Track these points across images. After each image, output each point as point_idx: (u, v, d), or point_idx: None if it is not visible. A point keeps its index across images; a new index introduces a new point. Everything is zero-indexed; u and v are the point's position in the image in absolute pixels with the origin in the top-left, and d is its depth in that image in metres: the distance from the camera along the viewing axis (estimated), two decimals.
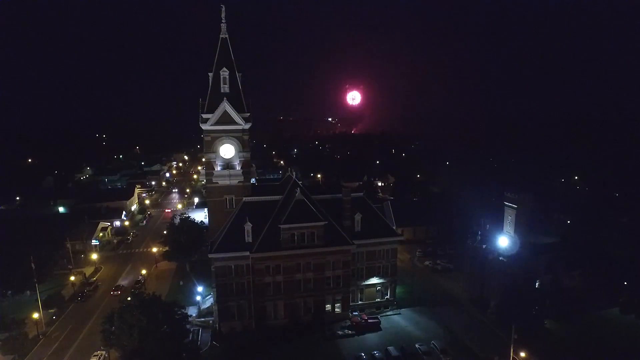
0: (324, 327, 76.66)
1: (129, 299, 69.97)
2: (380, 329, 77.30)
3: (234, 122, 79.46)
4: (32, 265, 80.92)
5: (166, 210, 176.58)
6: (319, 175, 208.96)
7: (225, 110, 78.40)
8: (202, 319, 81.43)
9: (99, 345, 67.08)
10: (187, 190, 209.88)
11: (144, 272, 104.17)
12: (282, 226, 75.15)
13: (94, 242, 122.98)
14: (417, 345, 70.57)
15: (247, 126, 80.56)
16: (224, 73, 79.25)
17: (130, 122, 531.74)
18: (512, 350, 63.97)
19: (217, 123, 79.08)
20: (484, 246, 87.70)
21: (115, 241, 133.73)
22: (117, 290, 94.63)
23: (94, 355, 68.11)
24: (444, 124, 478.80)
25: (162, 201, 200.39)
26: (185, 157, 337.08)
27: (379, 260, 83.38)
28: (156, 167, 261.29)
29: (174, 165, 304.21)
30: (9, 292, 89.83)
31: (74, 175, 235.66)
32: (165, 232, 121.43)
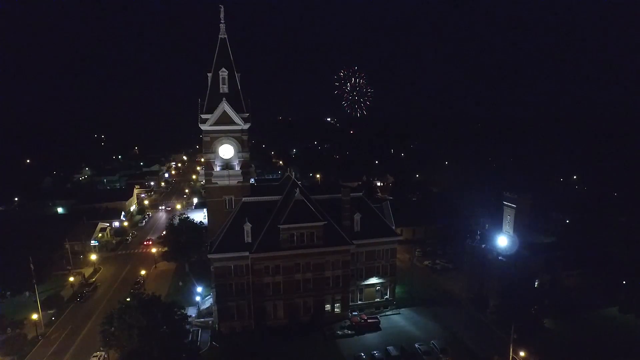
0: (323, 327, 76.67)
1: (128, 299, 69.89)
2: (379, 329, 77.26)
3: (233, 123, 79.34)
4: (31, 266, 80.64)
5: (167, 208, 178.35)
6: (318, 175, 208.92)
7: (224, 110, 78.26)
8: (202, 320, 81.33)
9: (99, 346, 67.18)
10: (186, 191, 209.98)
11: (143, 272, 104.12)
12: (281, 226, 75.12)
13: (93, 242, 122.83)
14: (416, 345, 70.58)
15: (246, 126, 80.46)
16: (223, 73, 79.15)
17: (130, 123, 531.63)
18: (511, 349, 64.03)
19: (216, 123, 78.93)
20: (483, 246, 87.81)
21: (114, 242, 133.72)
22: (149, 241, 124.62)
23: (94, 356, 68.00)
24: (443, 123, 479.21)
25: (161, 202, 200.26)
26: (185, 158, 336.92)
27: (378, 260, 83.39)
28: (155, 168, 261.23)
29: (173, 166, 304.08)
30: (8, 293, 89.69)
31: (73, 176, 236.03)
32: (164, 232, 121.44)
